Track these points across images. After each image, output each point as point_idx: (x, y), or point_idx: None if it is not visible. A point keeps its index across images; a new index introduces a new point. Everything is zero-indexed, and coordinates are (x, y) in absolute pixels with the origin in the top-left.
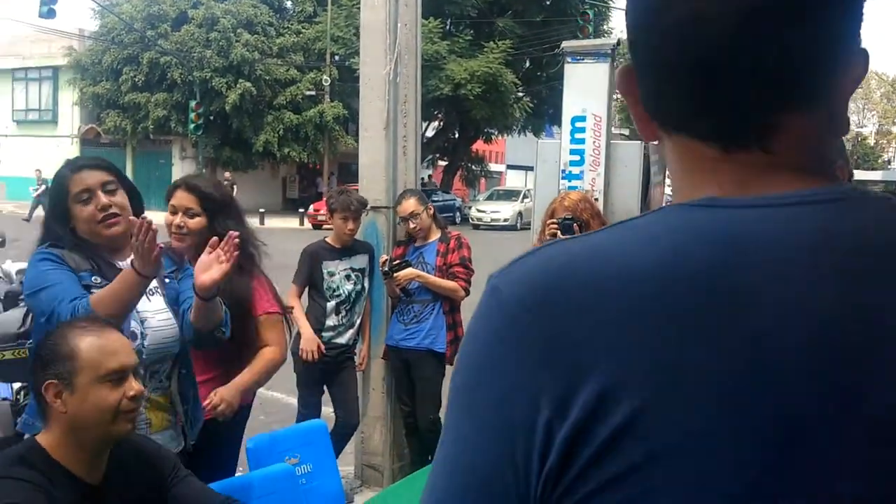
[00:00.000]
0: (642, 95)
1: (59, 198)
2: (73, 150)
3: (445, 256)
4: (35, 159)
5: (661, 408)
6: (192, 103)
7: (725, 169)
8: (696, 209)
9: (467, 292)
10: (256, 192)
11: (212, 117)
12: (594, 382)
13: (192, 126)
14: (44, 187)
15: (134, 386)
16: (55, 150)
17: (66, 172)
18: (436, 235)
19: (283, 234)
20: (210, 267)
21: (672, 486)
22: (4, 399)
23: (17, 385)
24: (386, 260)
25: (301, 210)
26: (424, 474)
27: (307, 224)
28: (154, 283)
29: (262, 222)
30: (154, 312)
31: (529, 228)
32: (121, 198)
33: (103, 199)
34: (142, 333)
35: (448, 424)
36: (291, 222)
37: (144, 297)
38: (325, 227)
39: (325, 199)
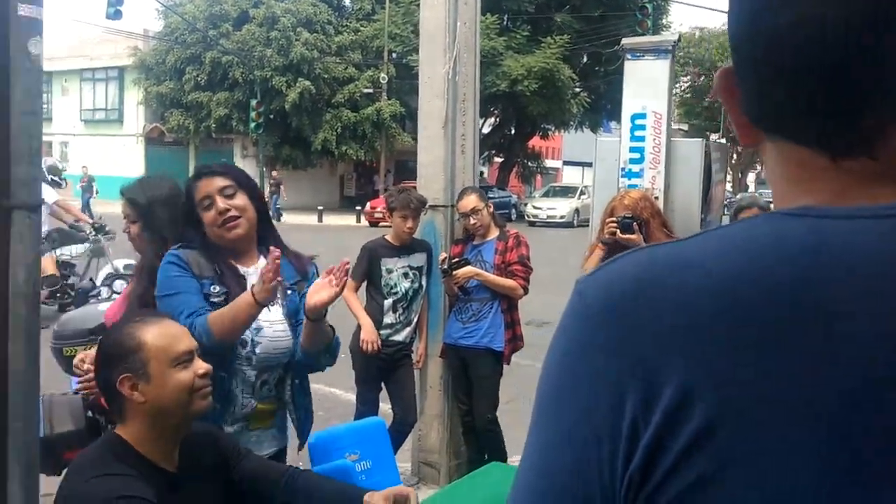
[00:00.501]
0: (744, 99)
1: (189, 205)
2: (138, 149)
3: (504, 255)
4: (102, 158)
5: (738, 418)
6: (253, 102)
7: (827, 177)
8: (788, 218)
9: (526, 290)
10: (314, 189)
11: (272, 116)
12: (674, 388)
13: (252, 125)
14: (88, 182)
15: (201, 364)
16: (121, 148)
17: (191, 181)
18: (494, 234)
19: (340, 232)
20: (321, 290)
21: (748, 497)
22: (76, 393)
23: None
24: (445, 258)
25: (358, 208)
26: (482, 473)
27: (364, 221)
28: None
29: (319, 220)
30: (271, 322)
31: (587, 225)
32: (240, 200)
33: (220, 204)
34: (253, 341)
35: (533, 430)
36: (349, 220)
37: (268, 307)
38: (381, 224)
39: (383, 196)
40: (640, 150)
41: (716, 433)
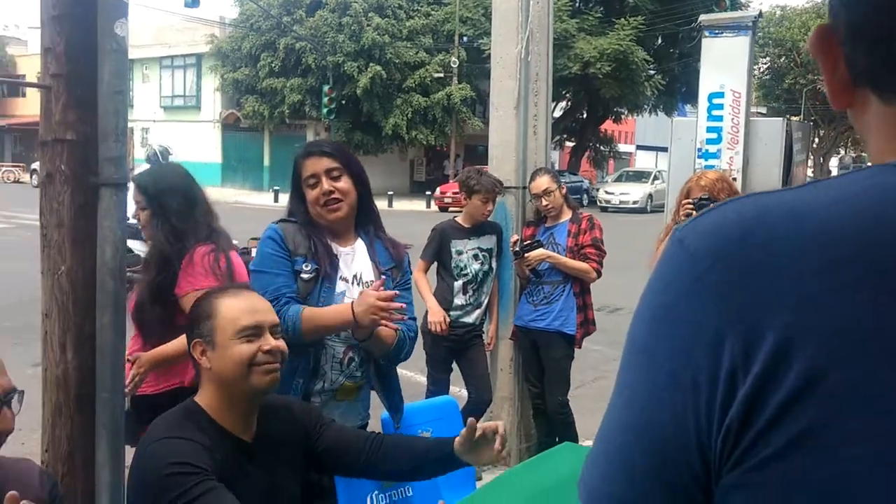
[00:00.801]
0: (848, 56)
1: (295, 179)
2: (214, 135)
3: (577, 237)
4: (180, 143)
5: (847, 367)
6: (325, 88)
7: None
8: None
9: (599, 274)
10: (385, 174)
11: (343, 101)
12: (778, 337)
13: (325, 110)
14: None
15: (270, 341)
16: (198, 134)
17: (300, 157)
18: (567, 216)
19: (409, 217)
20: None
21: (852, 453)
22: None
23: None
24: (517, 240)
25: (428, 193)
26: (554, 453)
27: (433, 206)
28: (371, 277)
29: (389, 205)
30: None
31: (660, 211)
32: (344, 183)
33: (326, 185)
34: None
35: (622, 381)
36: (418, 205)
37: (358, 287)
38: (451, 209)
39: (458, 178)
40: (717, 130)
41: (822, 383)
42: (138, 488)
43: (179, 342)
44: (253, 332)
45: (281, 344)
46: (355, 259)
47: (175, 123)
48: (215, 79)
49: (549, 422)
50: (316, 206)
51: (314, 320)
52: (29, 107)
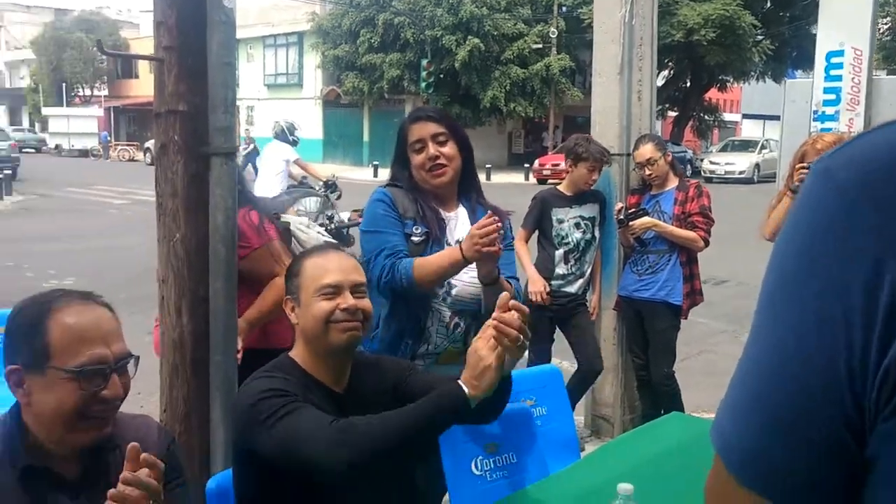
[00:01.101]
0: None
1: (400, 144)
2: (316, 112)
3: (684, 205)
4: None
5: None
6: (424, 62)
7: None
8: None
9: (706, 243)
10: (483, 147)
11: (442, 75)
12: None
13: (423, 84)
14: (252, 146)
15: (348, 300)
16: (300, 111)
17: (406, 122)
18: (673, 183)
19: (508, 190)
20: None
21: None
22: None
23: None
24: (621, 208)
25: (526, 165)
26: (663, 423)
27: (532, 179)
28: None
29: (488, 178)
30: (466, 269)
31: (768, 181)
32: (450, 149)
33: (432, 149)
34: (449, 283)
35: (760, 326)
36: (517, 177)
37: None
38: (549, 182)
39: (567, 145)
40: (835, 91)
41: None
42: (234, 429)
43: (255, 308)
44: (332, 291)
45: (361, 303)
46: (458, 225)
47: (278, 101)
48: (316, 56)
49: (653, 393)
50: (421, 171)
51: (426, 266)
52: (142, 88)
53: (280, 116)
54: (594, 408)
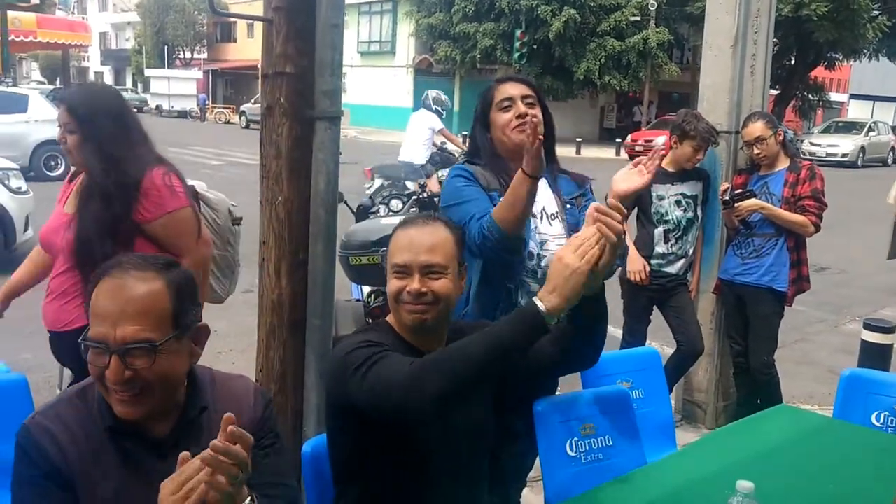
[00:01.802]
0: None
1: (483, 107)
2: (407, 80)
3: (794, 187)
4: (374, 89)
5: None
6: (518, 32)
7: None
8: None
9: (817, 228)
10: (574, 121)
11: (535, 46)
12: None
13: (516, 55)
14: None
15: (414, 283)
16: (392, 79)
17: (493, 84)
18: (784, 164)
19: (598, 164)
20: (630, 176)
21: None
22: (357, 300)
23: (367, 289)
24: (726, 188)
25: (618, 140)
26: (770, 416)
27: (623, 154)
28: (555, 209)
29: (577, 152)
30: (553, 236)
31: (874, 165)
32: (537, 111)
33: (521, 107)
34: (538, 255)
35: None
36: (608, 152)
37: (546, 222)
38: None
39: (675, 120)
40: None
41: None
42: (329, 383)
43: None
44: (402, 271)
45: (431, 285)
46: (540, 193)
47: (370, 69)
48: (410, 24)
49: (751, 382)
50: (506, 129)
51: (501, 205)
52: (240, 52)
53: (431, 89)
54: (686, 393)
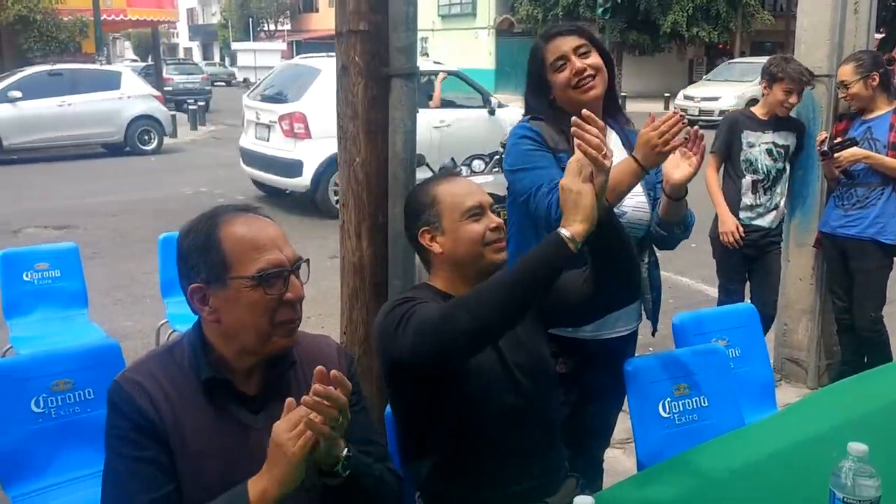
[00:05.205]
0: None
1: (535, 69)
2: (488, 41)
3: None
4: (456, 50)
5: None
6: None
7: None
8: None
9: None
10: (661, 75)
11: (619, 0)
12: None
13: (600, 10)
14: None
15: (493, 219)
16: (473, 41)
17: (540, 43)
18: (887, 107)
19: None
20: (679, 164)
21: None
22: None
23: None
24: (825, 138)
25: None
26: (874, 376)
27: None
28: None
29: (666, 107)
30: (632, 193)
31: None
32: (594, 59)
33: (577, 63)
34: (619, 210)
35: None
36: None
37: None
38: None
39: (764, 65)
40: None
41: None
42: (378, 348)
43: None
44: (478, 212)
45: (500, 220)
46: (613, 147)
47: (451, 32)
48: None
49: (856, 339)
50: (567, 90)
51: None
52: (322, 21)
53: (513, 49)
54: (784, 351)
